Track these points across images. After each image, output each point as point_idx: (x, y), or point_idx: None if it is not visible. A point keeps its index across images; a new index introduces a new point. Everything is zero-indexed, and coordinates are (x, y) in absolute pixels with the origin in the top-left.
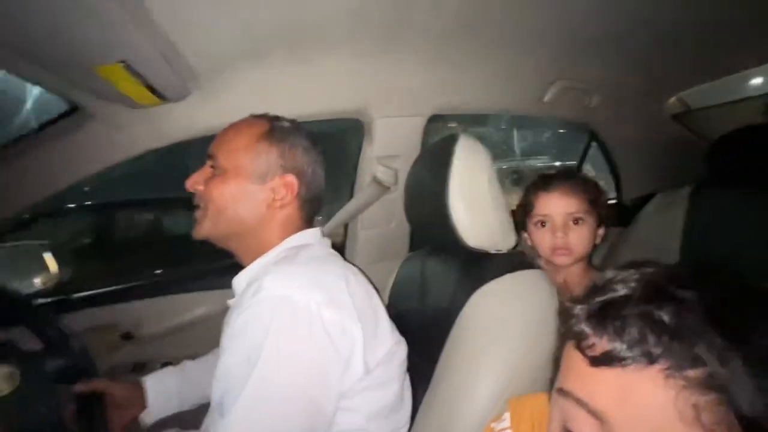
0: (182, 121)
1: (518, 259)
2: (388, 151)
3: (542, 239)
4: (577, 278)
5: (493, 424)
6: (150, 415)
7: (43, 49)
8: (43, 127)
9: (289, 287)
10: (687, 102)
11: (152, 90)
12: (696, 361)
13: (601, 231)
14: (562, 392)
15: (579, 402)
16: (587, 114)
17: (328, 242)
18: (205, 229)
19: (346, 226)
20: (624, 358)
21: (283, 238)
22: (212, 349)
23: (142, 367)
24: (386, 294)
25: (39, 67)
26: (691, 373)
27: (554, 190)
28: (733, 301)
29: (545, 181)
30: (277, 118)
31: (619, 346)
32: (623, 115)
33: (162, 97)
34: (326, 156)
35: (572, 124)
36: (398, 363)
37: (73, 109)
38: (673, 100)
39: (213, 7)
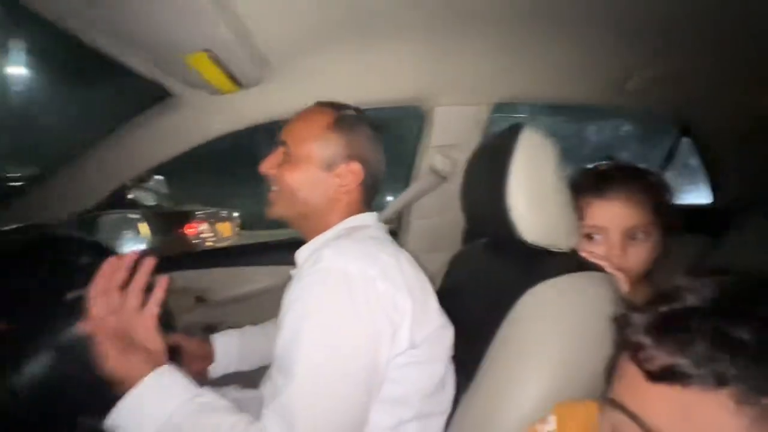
0: (254, 106)
1: (580, 260)
2: (448, 140)
3: (591, 255)
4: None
5: (537, 426)
6: (215, 370)
7: (140, 38)
8: (140, 111)
9: (346, 260)
10: None
11: (231, 77)
12: None
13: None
14: (614, 404)
15: (632, 416)
16: (678, 106)
17: (384, 226)
18: (278, 210)
19: (400, 214)
20: (688, 376)
21: (342, 219)
22: (271, 319)
23: (212, 329)
24: (436, 285)
25: (138, 55)
26: None
27: (612, 198)
28: None
29: (600, 183)
30: (343, 107)
31: (683, 362)
32: (722, 108)
33: (238, 84)
34: (385, 143)
35: (658, 117)
36: (444, 346)
37: (165, 95)
38: None
39: None
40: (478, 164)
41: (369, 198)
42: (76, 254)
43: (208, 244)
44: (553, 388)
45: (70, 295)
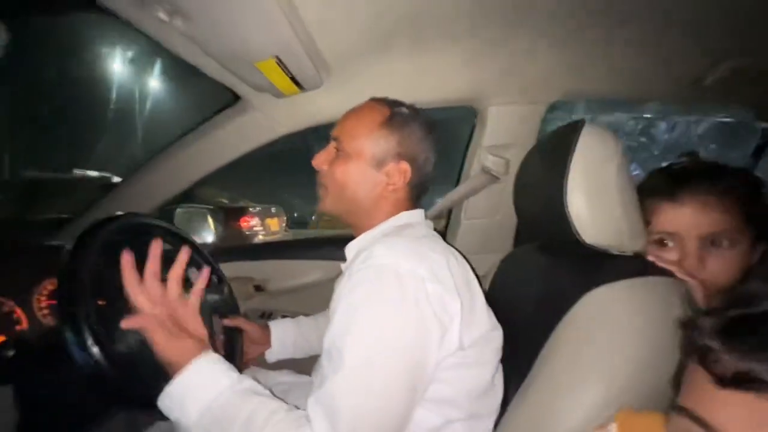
0: (313, 108)
1: (645, 264)
2: (501, 140)
3: (659, 260)
4: None
5: None
6: (271, 355)
7: (218, 48)
8: (213, 115)
9: (396, 258)
10: None
11: (294, 81)
12: None
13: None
14: (682, 410)
15: (702, 423)
16: (766, 102)
17: (430, 224)
18: (327, 204)
19: (449, 213)
20: (764, 382)
21: (390, 216)
22: (322, 311)
23: (268, 316)
24: (486, 286)
25: (214, 61)
26: None
27: (685, 201)
28: None
29: (672, 184)
30: (397, 104)
31: (758, 368)
32: None
33: (301, 88)
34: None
35: (742, 113)
36: (493, 349)
37: (236, 99)
38: None
39: (348, 1)
40: (535, 162)
41: (416, 197)
42: (163, 242)
43: (259, 237)
44: (609, 395)
45: None
